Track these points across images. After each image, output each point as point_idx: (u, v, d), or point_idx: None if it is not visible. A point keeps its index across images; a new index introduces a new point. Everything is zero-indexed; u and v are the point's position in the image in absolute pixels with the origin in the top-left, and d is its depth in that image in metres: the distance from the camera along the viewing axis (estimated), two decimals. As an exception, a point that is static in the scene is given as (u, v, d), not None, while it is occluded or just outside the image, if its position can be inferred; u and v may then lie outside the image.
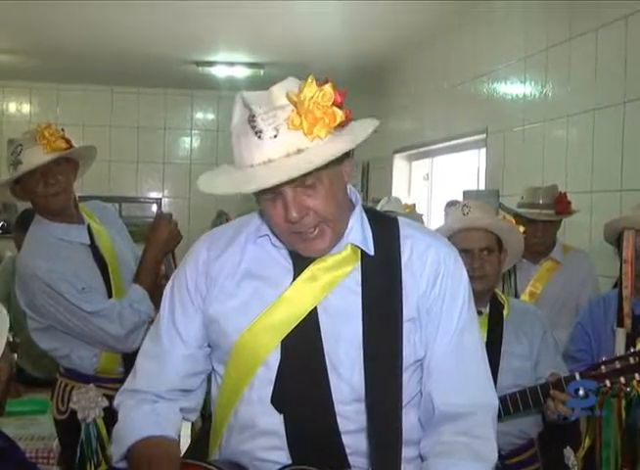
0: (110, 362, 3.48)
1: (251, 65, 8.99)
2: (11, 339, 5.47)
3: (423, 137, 7.90)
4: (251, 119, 1.79)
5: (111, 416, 3.38)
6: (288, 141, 1.76)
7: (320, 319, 1.93)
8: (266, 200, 1.86)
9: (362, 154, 9.42)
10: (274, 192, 1.81)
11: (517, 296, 4.16)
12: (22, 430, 4.24)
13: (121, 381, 3.37)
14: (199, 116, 11.47)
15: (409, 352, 1.94)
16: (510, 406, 2.87)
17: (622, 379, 2.61)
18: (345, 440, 1.92)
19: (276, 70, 8.86)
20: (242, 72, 9.24)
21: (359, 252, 1.97)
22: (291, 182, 1.78)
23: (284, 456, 1.93)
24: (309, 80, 1.77)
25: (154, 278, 3.54)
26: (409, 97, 8.33)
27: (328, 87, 1.77)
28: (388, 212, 4.94)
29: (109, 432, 3.41)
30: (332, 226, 1.89)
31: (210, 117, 11.48)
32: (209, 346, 2.08)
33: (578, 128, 5.14)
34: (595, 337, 3.42)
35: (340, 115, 1.77)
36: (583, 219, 4.58)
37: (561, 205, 4.41)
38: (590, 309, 3.52)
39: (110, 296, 3.47)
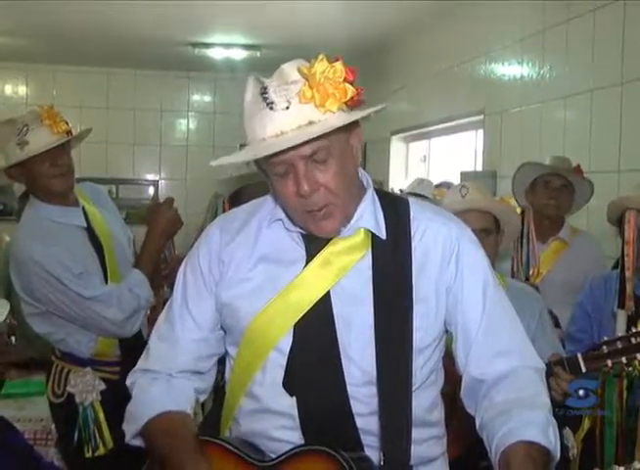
0: (106, 346, 3.47)
1: (248, 46, 8.95)
2: (9, 321, 5.46)
3: (420, 119, 7.88)
4: (264, 91, 1.81)
5: (107, 399, 3.41)
6: (299, 113, 1.79)
7: (332, 303, 1.94)
8: (277, 176, 1.87)
9: (359, 135, 9.39)
10: (285, 166, 1.84)
11: (527, 277, 4.12)
12: (20, 411, 4.27)
13: (118, 364, 3.41)
14: (195, 98, 11.42)
15: (421, 335, 1.95)
16: None
17: (624, 359, 2.61)
18: (359, 421, 1.94)
19: (273, 52, 8.83)
20: (239, 54, 9.20)
21: (370, 236, 1.98)
22: (302, 155, 1.81)
23: (296, 436, 1.95)
24: (320, 57, 1.79)
25: (154, 264, 3.54)
26: (406, 78, 8.30)
27: (339, 64, 1.79)
28: (417, 197, 4.94)
29: (106, 415, 3.42)
30: (341, 205, 1.91)
31: (207, 99, 11.43)
32: (222, 329, 2.11)
33: (576, 109, 5.12)
34: (595, 317, 3.41)
35: (351, 90, 1.80)
36: (581, 200, 4.57)
37: (577, 170, 4.44)
38: (591, 289, 3.51)
39: (105, 278, 3.46)
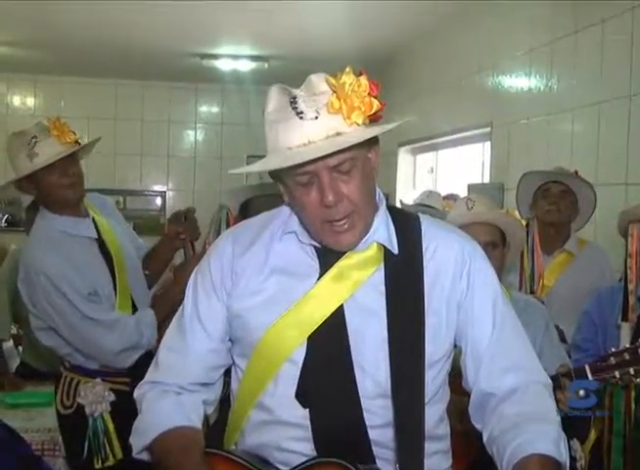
0: None
1: (255, 58, 8.97)
2: (15, 332, 5.47)
3: (428, 130, 7.89)
4: (293, 101, 1.83)
5: (117, 410, 3.40)
6: (328, 124, 1.82)
7: (346, 316, 1.95)
8: (300, 186, 1.87)
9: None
10: (310, 175, 1.84)
11: (532, 289, 4.11)
12: (28, 422, 4.27)
13: (128, 375, 3.40)
14: (203, 109, 11.45)
15: (433, 349, 1.97)
16: None
17: (632, 370, 2.61)
18: (371, 434, 1.95)
19: (280, 64, 8.85)
20: (246, 66, 9.22)
21: (383, 250, 1.99)
22: (328, 165, 1.82)
23: (308, 448, 1.95)
24: (347, 70, 1.82)
25: (169, 312, 3.53)
26: (414, 90, 8.32)
27: (364, 78, 1.82)
28: (425, 208, 4.91)
29: (115, 426, 3.42)
30: (362, 218, 1.92)
31: (215, 110, 11.46)
32: (230, 340, 2.10)
33: (584, 122, 5.12)
34: (601, 326, 3.41)
35: (376, 103, 1.82)
36: (588, 213, 4.57)
37: (575, 175, 4.42)
38: (599, 299, 3.50)
39: (115, 288, 3.47)
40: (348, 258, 1.97)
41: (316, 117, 1.81)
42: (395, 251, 1.98)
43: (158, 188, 11.40)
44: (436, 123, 7.68)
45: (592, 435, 2.90)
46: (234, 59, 9.06)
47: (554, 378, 2.84)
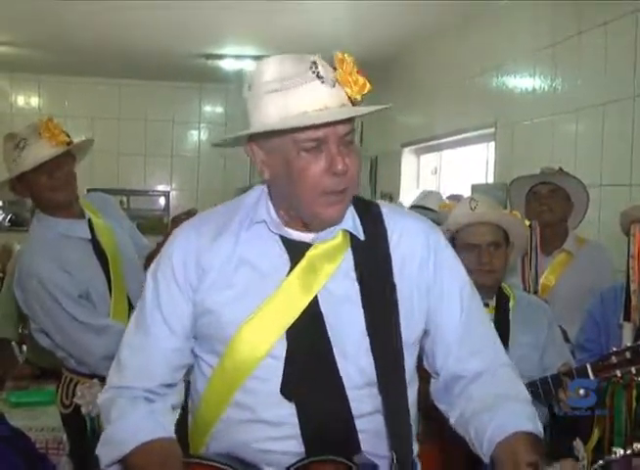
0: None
1: (259, 58, 8.90)
2: (20, 330, 5.47)
3: (431, 131, 7.89)
4: (314, 65, 1.86)
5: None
6: (341, 93, 1.85)
7: (321, 306, 1.95)
8: (304, 152, 1.85)
9: (370, 148, 9.41)
10: (317, 142, 1.84)
11: (536, 290, 4.09)
12: (32, 421, 4.27)
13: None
14: (207, 109, 11.46)
15: (409, 333, 1.98)
16: None
17: (633, 369, 2.61)
18: (358, 423, 1.94)
19: (284, 64, 8.84)
20: (250, 66, 9.20)
21: (349, 238, 1.99)
22: (339, 134, 1.84)
23: (295, 445, 1.92)
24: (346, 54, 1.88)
25: None
26: (417, 91, 8.32)
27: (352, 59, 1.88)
28: (420, 210, 4.90)
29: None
30: (350, 195, 1.94)
31: (219, 110, 11.47)
32: (195, 337, 2.04)
33: (588, 122, 5.12)
34: (604, 326, 3.41)
35: (368, 84, 1.87)
36: (592, 214, 4.56)
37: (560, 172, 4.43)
38: (601, 299, 3.50)
39: (110, 289, 3.47)
40: (317, 249, 1.96)
41: (334, 85, 1.84)
42: (362, 237, 1.99)
43: (161, 188, 11.42)
44: (440, 124, 7.68)
45: (595, 434, 2.90)
46: (238, 59, 9.07)
47: (555, 377, 2.86)
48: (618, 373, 2.62)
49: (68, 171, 3.44)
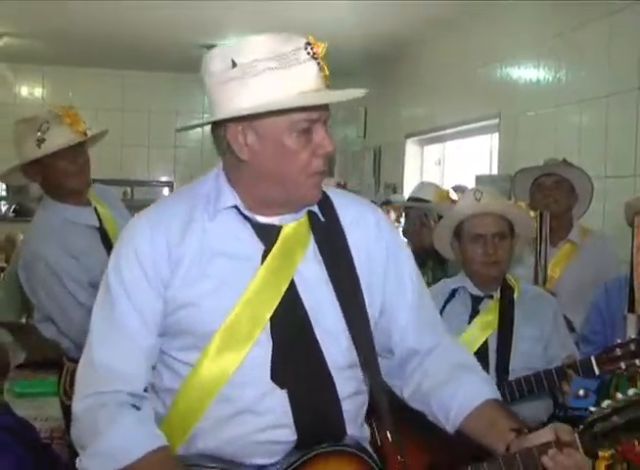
0: None
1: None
2: (24, 321, 5.48)
3: (435, 122, 7.89)
4: (308, 46, 1.85)
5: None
6: (324, 76, 1.87)
7: (299, 291, 1.95)
8: (296, 132, 1.84)
9: (374, 139, 9.41)
10: (309, 123, 1.85)
11: (545, 280, 4.08)
12: (37, 411, 4.29)
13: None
14: (210, 100, 11.43)
15: (372, 312, 2.02)
16: (524, 389, 2.89)
17: (637, 361, 2.62)
18: (344, 405, 1.97)
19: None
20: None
21: (308, 220, 2.00)
22: (327, 115, 1.87)
23: (287, 433, 1.90)
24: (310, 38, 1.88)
25: None
26: (421, 82, 8.31)
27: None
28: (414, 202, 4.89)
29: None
30: (324, 175, 1.96)
31: (222, 101, 11.44)
32: (165, 334, 1.94)
33: (592, 113, 5.12)
34: (609, 318, 3.41)
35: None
36: (596, 205, 4.55)
37: (564, 163, 4.40)
38: (606, 290, 3.50)
39: None
40: (288, 228, 1.97)
41: (321, 68, 1.86)
42: (322, 218, 2.00)
43: (165, 178, 11.45)
44: (444, 115, 7.67)
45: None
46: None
47: (560, 369, 2.86)
48: (623, 365, 2.62)
49: (86, 159, 3.48)
